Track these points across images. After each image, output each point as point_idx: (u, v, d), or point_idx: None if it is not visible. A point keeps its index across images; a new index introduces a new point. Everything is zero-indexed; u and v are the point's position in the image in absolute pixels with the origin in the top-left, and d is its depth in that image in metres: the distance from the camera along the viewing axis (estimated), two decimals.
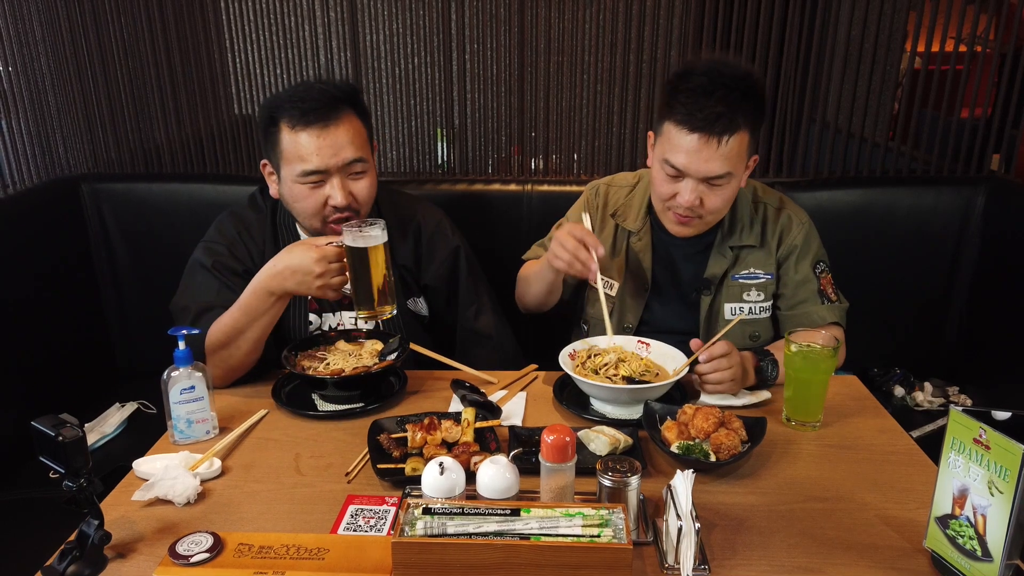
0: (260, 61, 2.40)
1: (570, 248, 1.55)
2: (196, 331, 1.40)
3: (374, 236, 1.46)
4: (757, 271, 1.69)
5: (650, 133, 1.66)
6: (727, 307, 1.70)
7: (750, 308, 1.70)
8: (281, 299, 1.51)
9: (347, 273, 1.49)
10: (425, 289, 1.85)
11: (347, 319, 1.78)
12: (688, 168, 1.53)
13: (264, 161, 1.69)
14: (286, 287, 1.48)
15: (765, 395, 1.50)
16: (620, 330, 1.74)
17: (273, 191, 1.71)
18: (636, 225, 1.75)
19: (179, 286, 1.70)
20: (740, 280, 1.69)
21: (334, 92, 1.62)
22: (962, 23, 2.24)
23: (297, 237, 1.74)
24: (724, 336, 1.50)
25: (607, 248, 1.76)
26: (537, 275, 1.75)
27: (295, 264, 1.47)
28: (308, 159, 1.58)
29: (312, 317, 1.75)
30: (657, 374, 1.50)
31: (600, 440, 1.30)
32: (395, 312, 1.54)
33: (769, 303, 1.71)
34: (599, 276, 1.62)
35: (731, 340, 1.60)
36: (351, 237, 1.46)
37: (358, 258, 1.46)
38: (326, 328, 1.76)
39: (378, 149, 1.78)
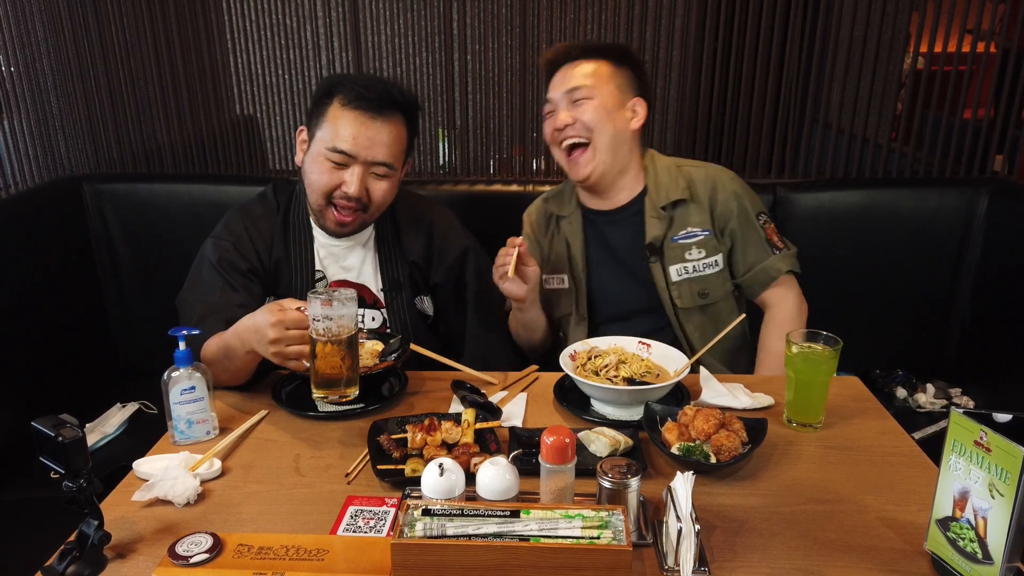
0: (262, 61, 2.40)
1: (498, 262, 1.66)
2: (196, 331, 1.40)
3: (344, 314, 1.28)
4: (694, 229, 1.74)
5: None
6: (672, 270, 1.75)
7: (694, 266, 1.75)
8: (252, 353, 1.41)
9: (307, 347, 1.32)
10: (434, 288, 1.85)
11: None
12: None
13: (302, 127, 1.71)
14: (248, 345, 1.40)
15: (767, 400, 1.50)
16: (580, 320, 1.82)
17: (298, 158, 1.73)
18: (568, 209, 1.84)
19: (187, 279, 1.70)
20: (680, 241, 1.74)
21: (395, 94, 1.65)
22: (966, 17, 2.23)
23: (310, 233, 1.75)
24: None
25: (552, 245, 1.86)
26: (513, 318, 1.86)
27: (255, 323, 1.37)
28: (343, 138, 1.60)
29: None
30: (658, 375, 1.49)
31: (600, 441, 1.29)
32: (358, 392, 1.37)
33: (713, 259, 1.75)
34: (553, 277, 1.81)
35: (683, 300, 1.74)
36: (314, 308, 1.27)
37: (320, 339, 1.29)
38: None
39: (411, 168, 1.79)
